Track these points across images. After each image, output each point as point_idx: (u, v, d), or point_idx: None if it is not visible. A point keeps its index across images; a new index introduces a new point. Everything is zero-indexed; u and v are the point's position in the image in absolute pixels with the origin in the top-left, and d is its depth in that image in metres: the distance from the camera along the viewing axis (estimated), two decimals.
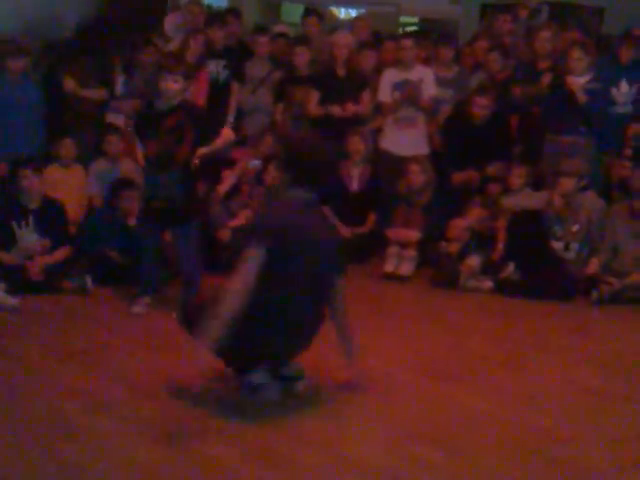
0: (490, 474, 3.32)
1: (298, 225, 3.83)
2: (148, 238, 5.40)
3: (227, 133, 5.45)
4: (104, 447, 3.44)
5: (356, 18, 9.14)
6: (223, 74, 7.29)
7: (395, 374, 4.39)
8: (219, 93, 7.20)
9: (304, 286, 3.85)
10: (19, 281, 5.60)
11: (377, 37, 8.35)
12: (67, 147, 6.54)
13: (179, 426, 3.65)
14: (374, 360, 4.48)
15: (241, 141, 7.35)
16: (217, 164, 6.90)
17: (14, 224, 5.87)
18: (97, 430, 3.60)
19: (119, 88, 6.83)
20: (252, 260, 3.74)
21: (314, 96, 7.23)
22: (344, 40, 7.40)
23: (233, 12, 8.12)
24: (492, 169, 6.95)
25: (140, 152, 5.24)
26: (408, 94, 7.15)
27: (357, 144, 7.06)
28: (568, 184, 6.32)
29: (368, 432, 3.67)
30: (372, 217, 7.05)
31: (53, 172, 6.48)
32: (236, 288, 3.71)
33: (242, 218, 6.59)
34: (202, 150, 5.28)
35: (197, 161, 6.16)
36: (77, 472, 3.23)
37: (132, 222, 6.00)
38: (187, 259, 5.38)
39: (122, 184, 6.26)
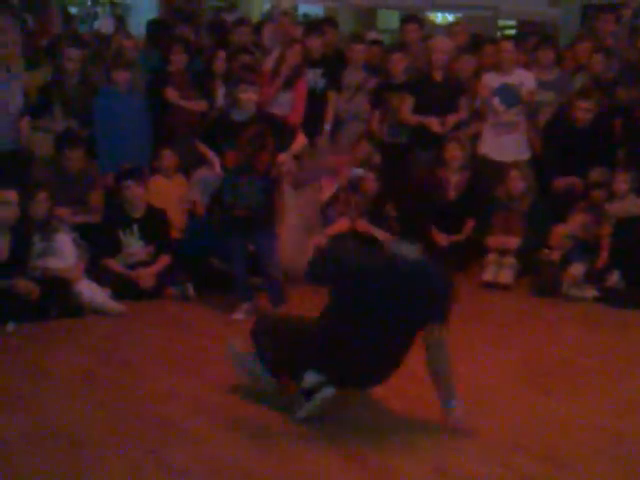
0: None
1: (378, 276, 3.80)
2: (235, 246, 5.49)
3: (301, 138, 5.49)
4: (205, 450, 3.50)
5: (454, 23, 9.05)
6: (320, 83, 7.33)
7: (495, 384, 4.33)
8: (317, 102, 7.24)
9: (375, 327, 3.78)
10: (126, 288, 5.78)
11: (476, 41, 8.26)
12: (168, 158, 6.68)
13: (277, 429, 3.70)
14: (474, 369, 4.44)
15: (339, 149, 7.41)
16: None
17: (120, 232, 6.05)
18: (199, 433, 3.67)
19: (220, 99, 6.93)
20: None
21: (408, 103, 7.20)
22: (442, 45, 7.35)
23: (330, 21, 8.18)
24: (596, 174, 6.76)
25: (217, 161, 5.32)
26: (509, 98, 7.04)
27: (454, 151, 6.98)
28: None
29: (466, 442, 3.62)
30: (470, 224, 6.94)
31: (157, 182, 6.64)
32: None
33: (339, 226, 6.61)
34: (282, 157, 5.34)
35: (289, 167, 6.31)
36: (181, 475, 3.30)
37: None
38: (271, 265, 5.45)
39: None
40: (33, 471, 3.31)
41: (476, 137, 7.31)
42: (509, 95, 7.08)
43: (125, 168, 6.45)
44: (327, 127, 7.32)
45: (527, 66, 7.46)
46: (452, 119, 7.16)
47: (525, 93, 7.04)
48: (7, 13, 6.87)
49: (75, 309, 5.46)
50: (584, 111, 6.80)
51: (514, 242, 6.52)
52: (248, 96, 5.20)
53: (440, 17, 12.84)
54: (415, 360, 3.86)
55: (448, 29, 8.60)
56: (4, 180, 5.59)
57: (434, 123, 7.09)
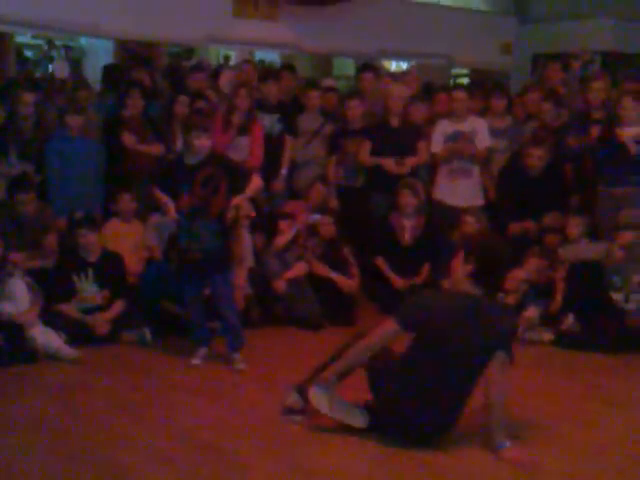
0: None
1: (447, 319, 3.97)
2: (191, 290, 5.45)
3: (257, 180, 5.52)
4: None
5: (406, 71, 9.22)
6: (277, 128, 7.39)
7: (459, 428, 4.31)
8: (273, 146, 7.29)
9: (439, 371, 3.97)
10: (81, 333, 5.69)
11: (428, 89, 8.41)
12: (126, 202, 6.65)
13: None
14: None
15: (294, 194, 7.45)
16: (273, 216, 7.00)
17: (74, 276, 5.97)
18: None
19: (179, 143, 6.94)
20: (385, 330, 4.06)
21: (366, 146, 7.29)
22: (399, 92, 7.48)
23: (288, 68, 8.27)
24: (549, 219, 6.90)
25: (171, 205, 5.32)
26: (460, 146, 7.17)
27: (407, 197, 7.05)
28: (627, 236, 6.24)
29: None
30: (427, 268, 7.00)
31: (113, 226, 6.59)
32: (360, 346, 4.11)
33: (297, 270, 6.62)
34: (236, 200, 5.36)
35: (247, 211, 6.32)
36: None
37: None
38: (228, 307, 5.42)
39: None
40: None
41: (431, 182, 7.41)
42: (461, 142, 7.21)
43: (77, 215, 6.41)
44: (283, 171, 7.39)
45: (480, 113, 7.62)
46: (412, 160, 7.26)
47: (480, 149, 7.19)
48: None
49: (29, 354, 5.34)
50: (536, 158, 6.95)
51: None
52: (201, 142, 5.22)
53: (394, 65, 13.08)
54: None
55: (401, 77, 8.77)
56: None
57: (390, 164, 7.18)
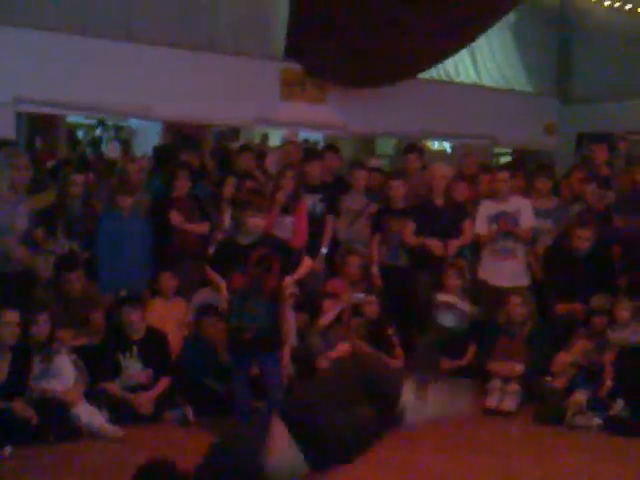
0: None
1: None
2: (239, 368, 5.45)
3: (308, 262, 5.55)
4: None
5: (466, 153, 9.26)
6: (319, 207, 7.45)
7: None
8: (315, 226, 7.35)
9: None
10: (124, 411, 5.70)
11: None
12: (166, 280, 6.73)
13: None
14: None
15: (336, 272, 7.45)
16: (314, 295, 7.01)
17: (119, 354, 6.01)
18: None
19: (226, 223, 7.03)
20: None
21: (410, 226, 7.31)
22: (443, 171, 7.53)
23: (332, 148, 8.37)
24: (597, 301, 6.77)
25: (223, 285, 5.36)
26: (504, 226, 7.16)
27: (453, 279, 7.03)
28: None
29: None
30: (472, 349, 6.92)
31: (156, 305, 6.65)
32: None
33: (340, 350, 6.58)
34: (289, 280, 5.37)
35: (292, 291, 6.33)
36: None
37: (223, 357, 6.09)
38: (275, 385, 5.39)
39: (205, 310, 6.38)
40: None
41: (477, 263, 7.38)
42: (507, 223, 7.20)
43: (122, 295, 6.50)
44: (323, 250, 7.41)
45: (523, 193, 7.61)
46: (455, 243, 7.26)
47: (524, 229, 7.17)
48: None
49: (72, 432, 5.36)
50: (583, 239, 6.90)
51: (519, 369, 6.48)
52: (256, 221, 5.28)
53: (436, 144, 13.20)
54: None
55: (457, 158, 8.81)
56: (6, 301, 5.60)
57: (437, 246, 7.17)
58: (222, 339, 5.99)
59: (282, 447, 3.77)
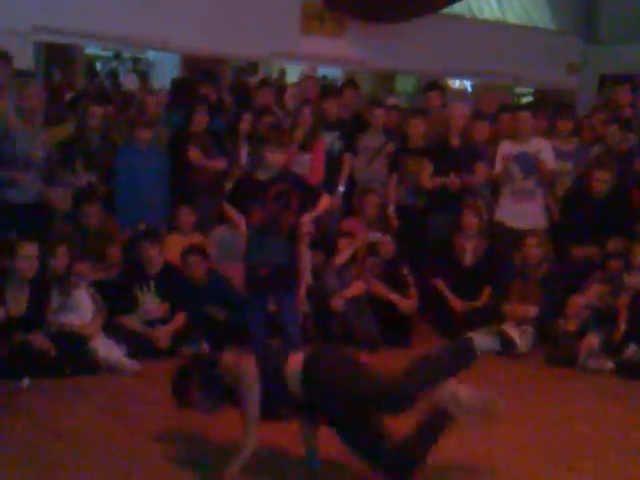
0: None
1: None
2: (255, 305, 5.48)
3: (326, 199, 5.52)
4: None
5: (484, 91, 9.13)
6: (337, 145, 7.40)
7: (508, 457, 4.26)
8: (333, 164, 7.31)
9: None
10: (141, 346, 5.78)
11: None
12: (185, 215, 6.73)
13: None
14: (489, 444, 4.40)
15: (352, 212, 7.44)
16: (331, 234, 7.02)
17: (137, 289, 6.06)
18: None
19: (243, 159, 7.00)
20: None
21: (427, 168, 7.26)
22: (461, 110, 7.43)
23: (351, 84, 8.26)
24: (613, 244, 6.76)
25: (242, 221, 5.35)
26: (526, 166, 7.09)
27: (470, 218, 7.01)
28: None
29: None
30: (487, 291, 6.93)
31: (173, 240, 6.67)
32: None
33: (355, 289, 6.62)
34: (307, 217, 5.36)
35: (309, 229, 6.32)
36: None
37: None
38: (292, 321, 5.42)
39: (190, 251, 6.39)
40: None
41: (494, 204, 7.34)
42: (527, 164, 7.14)
43: (141, 229, 6.51)
44: (340, 188, 7.37)
45: (545, 134, 7.52)
46: (468, 178, 7.20)
47: (542, 165, 7.08)
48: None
49: (90, 366, 5.45)
50: (601, 182, 6.84)
51: (532, 311, 6.50)
52: (275, 157, 5.24)
53: (457, 83, 13.01)
54: None
55: (476, 96, 8.68)
56: (25, 233, 5.63)
57: (453, 182, 7.12)
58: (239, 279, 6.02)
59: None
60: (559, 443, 4.55)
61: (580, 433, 4.74)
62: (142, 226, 6.60)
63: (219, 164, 6.99)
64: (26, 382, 5.10)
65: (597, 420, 4.99)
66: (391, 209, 7.31)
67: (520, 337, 6.37)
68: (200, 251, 6.38)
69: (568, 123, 7.55)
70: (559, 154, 7.29)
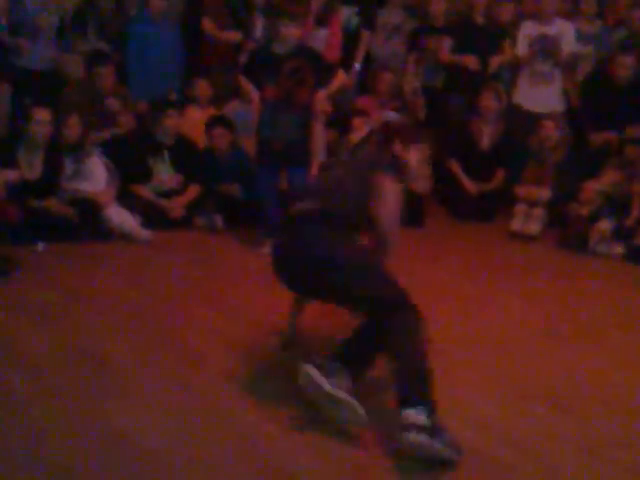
0: (597, 434, 3.22)
1: None
2: (267, 180, 5.46)
3: (341, 76, 5.42)
4: (234, 385, 3.49)
5: None
6: (354, 21, 7.22)
7: (515, 332, 4.32)
8: (349, 40, 7.14)
9: None
10: (155, 215, 5.81)
11: None
12: (203, 88, 6.64)
13: None
14: (494, 316, 4.48)
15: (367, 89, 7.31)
16: (346, 112, 6.92)
17: (150, 158, 6.04)
18: (222, 363, 3.67)
19: (258, 31, 6.85)
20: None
21: (447, 43, 7.10)
22: None
23: None
24: (632, 131, 6.66)
25: (256, 95, 5.27)
26: (546, 48, 6.93)
27: (489, 100, 6.90)
28: None
29: (482, 389, 3.61)
30: (500, 174, 6.90)
31: (189, 112, 6.60)
32: None
33: None
34: (322, 93, 5.28)
35: (324, 106, 6.24)
36: (202, 396, 3.34)
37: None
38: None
39: (216, 121, 6.31)
40: (60, 387, 3.35)
41: (512, 86, 7.22)
42: (546, 46, 6.97)
43: (164, 98, 6.42)
44: (357, 66, 7.22)
45: (568, 16, 7.32)
46: (497, 60, 7.09)
47: (565, 54, 6.93)
48: None
49: (104, 233, 5.50)
50: (625, 67, 6.69)
51: (545, 193, 6.48)
52: (290, 30, 5.13)
53: None
54: None
55: None
56: (39, 99, 5.58)
57: (472, 61, 6.99)
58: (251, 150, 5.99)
59: None
60: (560, 319, 4.60)
61: (583, 310, 4.78)
62: (164, 95, 6.49)
63: (234, 36, 6.85)
64: (41, 246, 5.16)
65: (602, 299, 5.04)
66: (417, 86, 7.14)
67: (531, 220, 6.37)
68: (225, 123, 6.31)
69: (592, 5, 7.33)
70: (581, 37, 7.10)
